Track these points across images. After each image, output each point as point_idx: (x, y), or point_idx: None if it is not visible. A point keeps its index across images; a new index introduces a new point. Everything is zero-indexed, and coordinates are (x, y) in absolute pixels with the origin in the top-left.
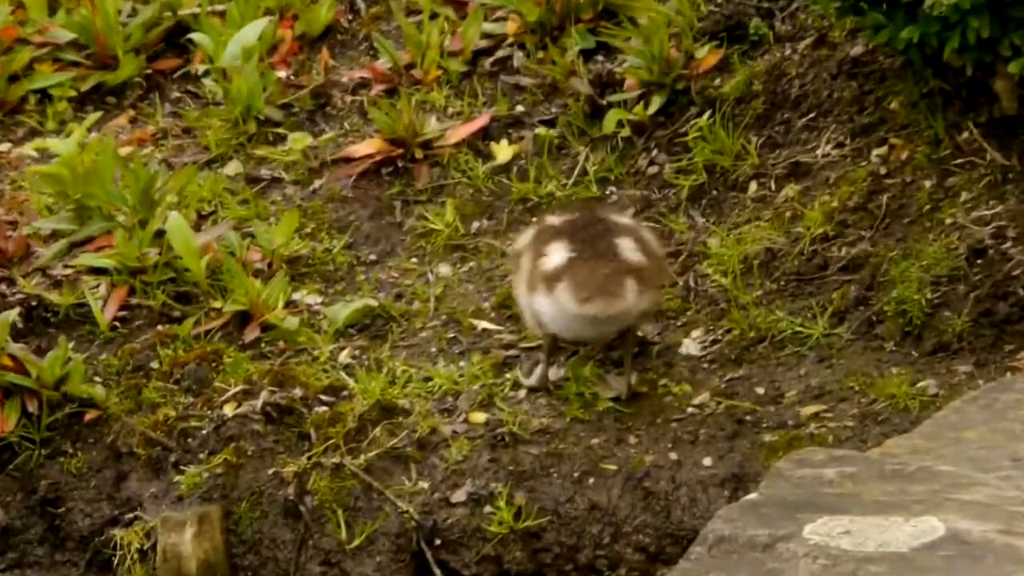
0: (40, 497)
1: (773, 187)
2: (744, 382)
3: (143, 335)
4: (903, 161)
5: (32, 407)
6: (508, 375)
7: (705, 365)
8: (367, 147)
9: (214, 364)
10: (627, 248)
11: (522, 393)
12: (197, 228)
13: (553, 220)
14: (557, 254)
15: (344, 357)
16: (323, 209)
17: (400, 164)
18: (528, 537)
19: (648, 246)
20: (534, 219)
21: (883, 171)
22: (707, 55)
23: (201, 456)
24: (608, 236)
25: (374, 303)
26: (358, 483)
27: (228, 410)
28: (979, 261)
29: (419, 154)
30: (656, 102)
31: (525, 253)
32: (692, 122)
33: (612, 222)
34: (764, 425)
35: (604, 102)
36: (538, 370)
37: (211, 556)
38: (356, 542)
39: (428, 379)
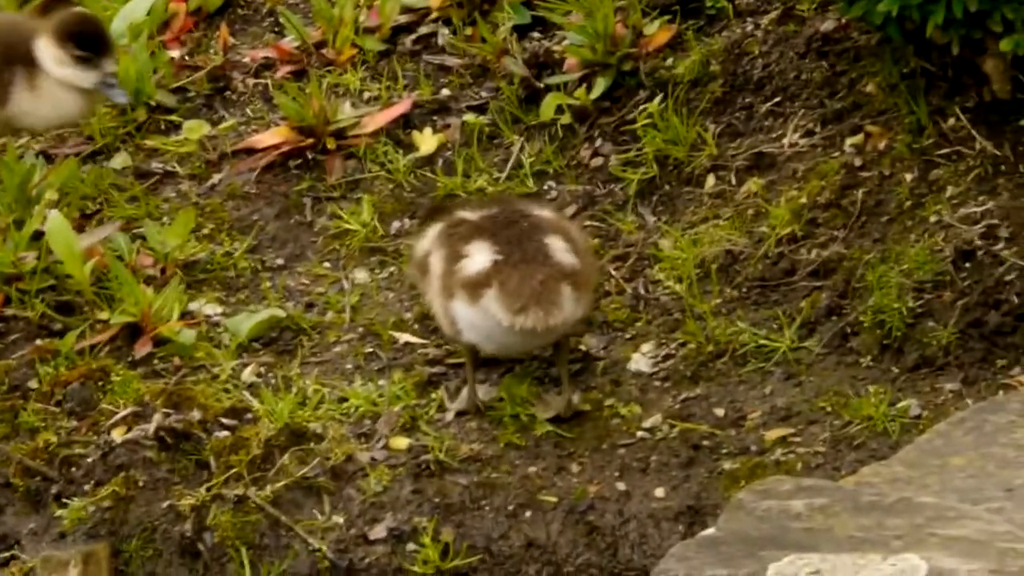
0: None
1: (733, 181)
2: (701, 402)
3: (19, 350)
4: (881, 151)
5: None
6: (434, 395)
7: (657, 383)
8: (272, 137)
9: (100, 383)
10: (559, 249)
11: (449, 415)
12: (80, 229)
13: (468, 215)
14: (480, 256)
15: (248, 375)
16: (223, 207)
17: (310, 156)
18: None
19: (577, 244)
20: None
21: (858, 163)
22: (658, 31)
23: (86, 487)
24: (536, 235)
25: (281, 314)
26: (264, 517)
27: (117, 435)
28: (967, 264)
29: (331, 144)
30: (600, 85)
31: (434, 253)
32: (641, 108)
33: (537, 217)
34: (724, 451)
35: (541, 85)
36: (464, 390)
37: None
38: None
39: (343, 400)
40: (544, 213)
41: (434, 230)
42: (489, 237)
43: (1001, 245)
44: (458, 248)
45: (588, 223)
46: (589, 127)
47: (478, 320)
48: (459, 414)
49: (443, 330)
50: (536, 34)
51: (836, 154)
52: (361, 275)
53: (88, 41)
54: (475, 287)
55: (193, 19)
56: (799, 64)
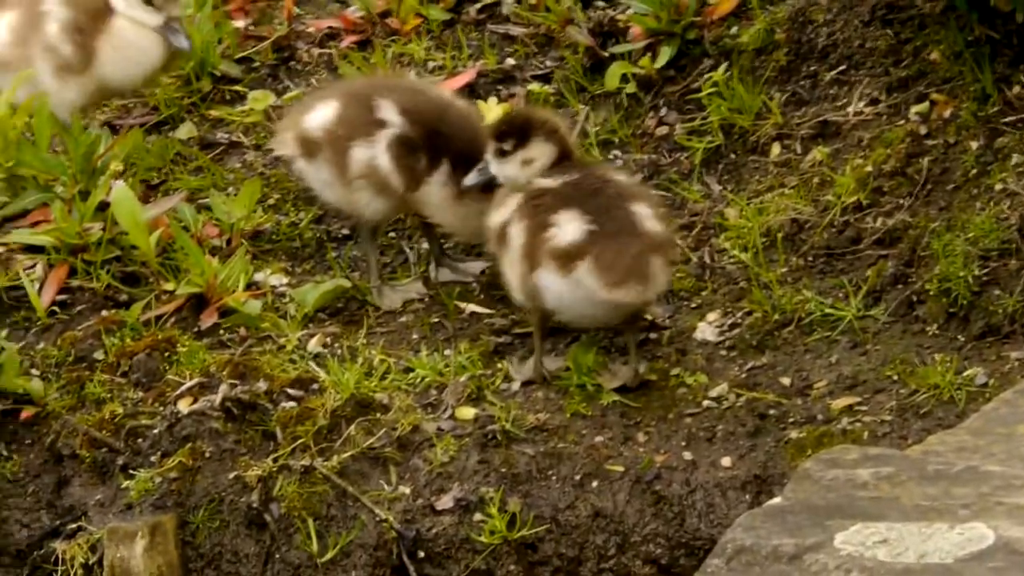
0: None
1: (799, 150)
2: (767, 371)
3: (86, 321)
4: (946, 119)
5: None
6: (500, 365)
7: (723, 352)
8: None
9: (166, 354)
10: (647, 218)
11: (515, 385)
12: (145, 200)
13: (547, 183)
14: (571, 226)
15: (314, 345)
16: (288, 178)
17: None
18: (523, 548)
19: (658, 211)
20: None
21: (923, 131)
22: (722, 0)
23: (152, 458)
24: (622, 203)
25: (347, 284)
26: (330, 488)
27: (183, 406)
28: None
29: None
30: (665, 54)
31: (514, 223)
32: (706, 76)
33: (617, 183)
34: (790, 420)
35: (606, 54)
36: (531, 360)
37: (164, 572)
38: (329, 555)
39: (409, 370)
40: (622, 178)
41: (513, 200)
42: (578, 206)
43: None
44: (544, 218)
45: (654, 192)
46: (654, 96)
47: (568, 291)
48: (525, 384)
49: (516, 299)
50: (600, 3)
51: (901, 122)
52: (427, 244)
53: None
54: (568, 258)
55: None
56: (864, 32)
